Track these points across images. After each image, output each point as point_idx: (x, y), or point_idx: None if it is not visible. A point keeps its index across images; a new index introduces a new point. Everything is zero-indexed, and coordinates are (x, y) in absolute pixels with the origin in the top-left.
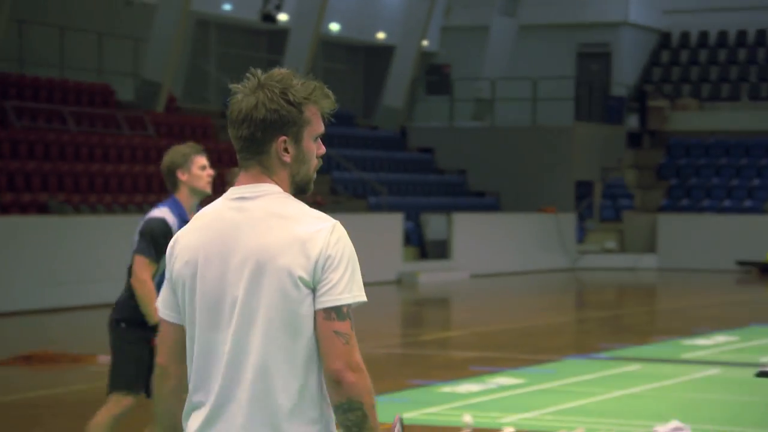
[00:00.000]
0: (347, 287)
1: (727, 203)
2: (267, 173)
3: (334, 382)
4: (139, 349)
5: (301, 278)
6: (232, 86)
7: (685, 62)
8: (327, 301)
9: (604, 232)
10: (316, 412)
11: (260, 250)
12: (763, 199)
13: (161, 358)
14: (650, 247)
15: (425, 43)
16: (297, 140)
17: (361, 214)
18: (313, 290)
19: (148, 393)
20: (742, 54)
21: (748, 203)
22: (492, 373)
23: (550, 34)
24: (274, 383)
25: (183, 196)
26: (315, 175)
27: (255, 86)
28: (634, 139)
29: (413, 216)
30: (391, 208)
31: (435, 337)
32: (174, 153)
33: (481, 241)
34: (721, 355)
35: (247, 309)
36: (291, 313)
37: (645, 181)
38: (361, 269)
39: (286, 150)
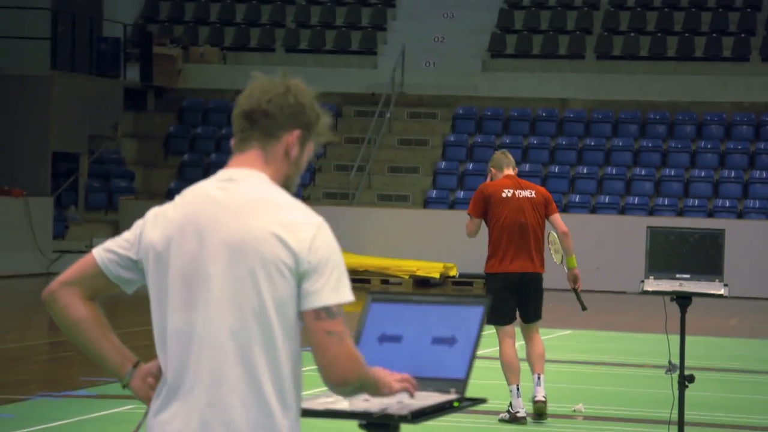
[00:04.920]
0: (335, 287)
1: None
2: (264, 160)
3: (335, 382)
4: None
5: (285, 265)
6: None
7: None
8: (315, 301)
9: (93, 224)
10: (291, 398)
11: (243, 232)
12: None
13: (67, 275)
14: None
15: None
16: (303, 144)
17: None
18: (298, 283)
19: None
20: None
21: None
22: None
23: None
24: (245, 367)
25: None
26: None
27: (283, 78)
28: (133, 98)
29: None
30: None
31: None
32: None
33: None
34: None
35: (222, 290)
36: (269, 298)
37: (149, 156)
38: None
39: (293, 146)
